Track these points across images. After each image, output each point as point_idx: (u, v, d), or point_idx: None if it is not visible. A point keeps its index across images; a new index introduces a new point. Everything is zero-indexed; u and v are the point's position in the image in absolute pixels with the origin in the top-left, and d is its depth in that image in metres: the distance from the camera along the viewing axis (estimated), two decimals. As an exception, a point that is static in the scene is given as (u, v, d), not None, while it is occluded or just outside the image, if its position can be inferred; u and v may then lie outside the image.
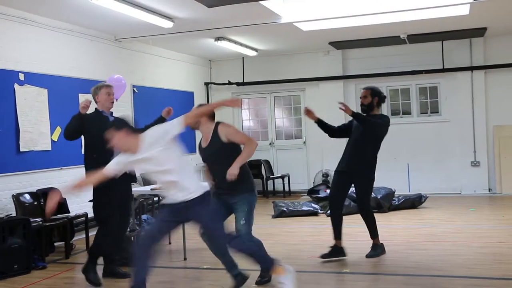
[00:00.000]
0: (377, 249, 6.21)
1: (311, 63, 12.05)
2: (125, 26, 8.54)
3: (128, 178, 5.76)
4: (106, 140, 4.69)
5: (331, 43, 11.06)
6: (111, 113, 5.90)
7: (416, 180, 11.37)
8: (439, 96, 11.54)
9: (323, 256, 6.13)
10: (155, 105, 10.39)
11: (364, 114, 6.16)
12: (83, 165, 5.70)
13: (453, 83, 11.28)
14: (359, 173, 6.06)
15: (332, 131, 6.44)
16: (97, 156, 5.45)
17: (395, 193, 9.63)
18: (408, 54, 11.33)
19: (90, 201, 5.84)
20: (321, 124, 6.34)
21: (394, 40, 10.62)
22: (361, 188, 6.13)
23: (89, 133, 5.64)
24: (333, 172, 6.37)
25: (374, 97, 6.16)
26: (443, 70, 11.18)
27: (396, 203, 9.50)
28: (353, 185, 6.18)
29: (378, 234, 6.24)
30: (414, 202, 9.62)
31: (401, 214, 9.10)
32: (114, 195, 5.51)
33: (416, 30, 9.77)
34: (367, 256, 6.13)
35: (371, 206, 6.45)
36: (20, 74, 7.25)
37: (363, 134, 6.05)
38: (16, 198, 6.90)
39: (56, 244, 7.20)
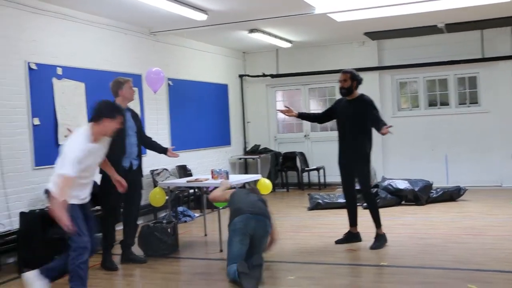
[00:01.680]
0: (381, 240, 6.34)
1: (346, 54, 11.92)
2: (159, 19, 8.59)
3: (138, 169, 6.09)
4: (120, 137, 5.01)
5: (366, 34, 10.92)
6: (128, 108, 6.04)
7: (455, 173, 11.16)
8: (478, 86, 11.28)
9: (338, 242, 6.49)
10: (190, 98, 10.47)
11: (347, 98, 6.41)
12: None
13: (493, 72, 11.00)
14: (362, 162, 6.34)
15: (319, 119, 6.87)
16: (109, 154, 5.28)
17: (433, 185, 9.47)
18: (445, 44, 11.10)
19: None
20: (303, 116, 6.82)
21: (431, 30, 10.43)
22: (364, 175, 6.41)
23: None
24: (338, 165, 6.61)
25: (353, 80, 6.31)
26: (483, 59, 10.91)
27: (434, 195, 9.34)
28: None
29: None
30: (452, 195, 9.44)
31: (439, 207, 8.95)
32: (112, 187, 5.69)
33: (454, 18, 9.55)
34: (371, 247, 6.21)
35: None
36: (58, 68, 7.36)
37: (359, 123, 6.24)
38: (56, 190, 7.01)
39: (95, 235, 7.29)
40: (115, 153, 5.64)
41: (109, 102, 5.04)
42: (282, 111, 6.77)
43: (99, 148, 4.73)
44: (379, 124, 6.02)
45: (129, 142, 5.96)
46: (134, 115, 6.16)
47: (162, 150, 6.48)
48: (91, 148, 4.59)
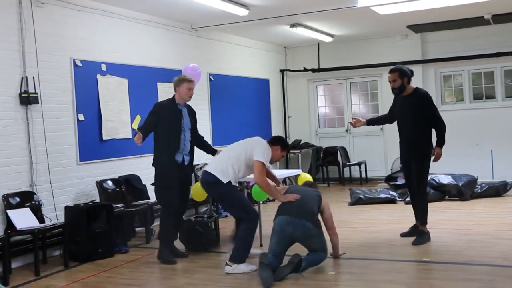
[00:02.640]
0: (425, 237, 6.21)
1: (388, 47, 11.75)
2: (201, 15, 8.64)
3: (189, 165, 6.18)
4: (175, 132, 5.59)
5: (409, 27, 10.74)
6: (186, 104, 6.16)
7: (501, 168, 10.87)
8: (526, 79, 10.97)
9: (403, 235, 6.45)
10: (231, 93, 10.51)
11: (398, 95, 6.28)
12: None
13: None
14: (418, 157, 6.14)
15: (389, 119, 6.66)
16: (164, 148, 5.89)
17: (478, 180, 9.26)
18: (492, 35, 10.81)
19: (152, 184, 6.30)
20: (372, 122, 6.74)
21: (477, 21, 10.18)
22: (419, 170, 6.19)
23: (161, 124, 5.95)
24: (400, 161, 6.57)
25: (403, 78, 6.11)
26: (527, 52, 10.61)
27: (479, 191, 9.13)
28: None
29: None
30: (498, 190, 9.22)
31: (484, 202, 8.74)
32: (174, 181, 5.92)
33: (502, 9, 9.30)
34: (414, 243, 6.12)
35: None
36: (102, 65, 7.49)
37: (415, 119, 6.09)
38: (100, 184, 7.16)
39: (137, 229, 7.43)
40: (170, 147, 5.87)
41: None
42: (350, 123, 6.79)
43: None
44: (438, 134, 6.08)
45: (184, 138, 6.03)
46: (191, 111, 6.23)
47: (211, 151, 6.51)
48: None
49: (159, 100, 8.46)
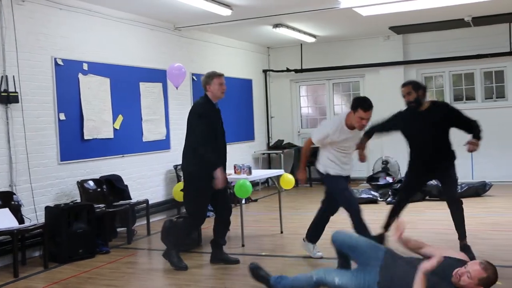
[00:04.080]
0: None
1: (370, 48, 11.83)
2: (184, 15, 8.62)
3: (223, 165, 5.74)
4: (216, 135, 5.44)
5: (391, 28, 10.82)
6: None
7: (480, 168, 10.99)
8: (505, 81, 11.09)
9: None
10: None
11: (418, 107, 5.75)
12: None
13: (521, 66, 10.81)
14: (451, 168, 5.92)
15: (381, 132, 6.25)
16: (206, 154, 5.44)
17: (458, 180, 9.32)
18: (472, 38, 10.94)
19: (181, 190, 5.87)
20: (370, 136, 6.18)
21: (457, 23, 10.28)
22: (454, 180, 5.98)
23: (207, 128, 5.55)
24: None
25: (418, 90, 5.69)
26: (510, 53, 10.73)
27: (459, 191, 9.15)
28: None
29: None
30: (478, 190, 9.33)
31: (464, 202, 8.69)
32: (208, 190, 5.54)
33: (482, 12, 9.41)
34: None
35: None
36: (84, 64, 7.44)
37: (441, 131, 5.77)
38: (81, 184, 7.12)
39: (118, 230, 7.39)
40: (213, 153, 5.50)
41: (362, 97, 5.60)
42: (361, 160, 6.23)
43: (350, 133, 5.55)
44: (473, 130, 5.75)
45: (217, 145, 5.65)
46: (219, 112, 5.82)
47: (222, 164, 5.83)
48: (344, 131, 5.48)
49: (141, 100, 8.46)
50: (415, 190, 6.39)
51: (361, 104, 5.30)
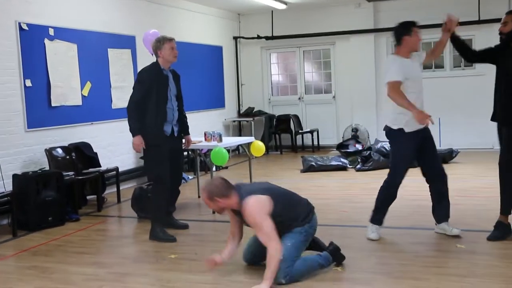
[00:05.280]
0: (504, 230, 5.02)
1: (341, 16, 11.80)
2: (152, -20, 8.46)
3: (179, 135, 5.80)
4: (162, 100, 5.19)
5: (362, -5, 10.80)
6: (170, 69, 5.69)
7: (448, 135, 11.18)
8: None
9: (490, 238, 5.04)
10: (184, 60, 10.32)
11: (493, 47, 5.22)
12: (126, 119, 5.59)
13: (489, 35, 10.82)
14: (509, 125, 4.98)
15: (472, 55, 5.69)
16: (151, 119, 5.39)
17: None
18: (441, 6, 10.97)
19: (141, 158, 5.83)
20: (457, 42, 5.66)
21: (427, -9, 10.31)
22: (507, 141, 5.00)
23: (148, 94, 5.45)
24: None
25: None
26: (479, 21, 10.84)
27: (427, 158, 9.36)
28: None
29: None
30: (445, 157, 9.48)
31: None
32: (164, 154, 5.50)
33: (451, -20, 9.44)
34: (488, 238, 4.99)
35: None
36: (50, 29, 7.26)
37: None
38: (49, 152, 7.02)
39: (88, 197, 7.36)
40: (158, 118, 5.46)
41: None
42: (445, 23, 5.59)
43: (412, 62, 5.34)
44: None
45: (171, 107, 5.60)
46: (175, 76, 5.76)
47: (184, 133, 5.98)
48: (405, 62, 5.19)
49: (110, 66, 8.33)
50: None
51: (411, 24, 5.48)
